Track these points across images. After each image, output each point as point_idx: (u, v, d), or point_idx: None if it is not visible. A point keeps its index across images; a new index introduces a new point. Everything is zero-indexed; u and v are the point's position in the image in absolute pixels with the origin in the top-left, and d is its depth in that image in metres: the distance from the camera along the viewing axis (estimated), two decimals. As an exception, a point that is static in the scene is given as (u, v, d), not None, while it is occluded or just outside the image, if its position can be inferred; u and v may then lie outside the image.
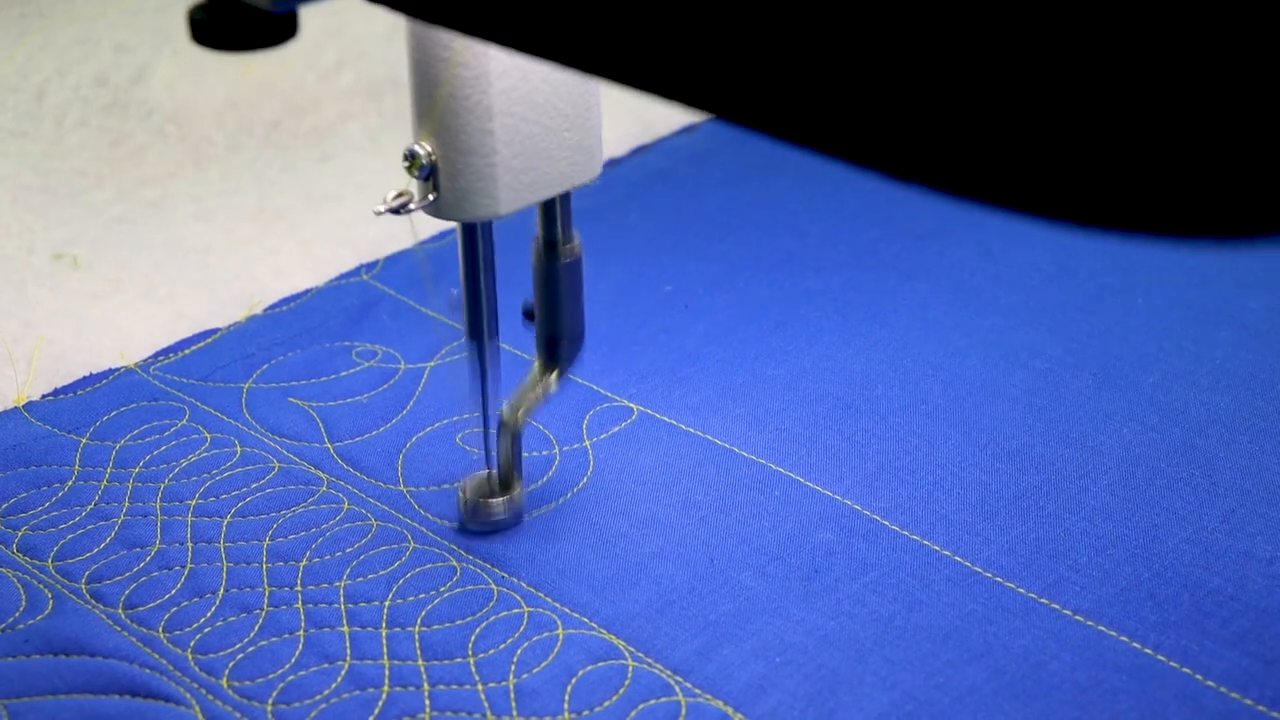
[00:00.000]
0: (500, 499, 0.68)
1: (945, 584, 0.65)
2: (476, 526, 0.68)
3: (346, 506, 0.71)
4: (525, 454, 0.74)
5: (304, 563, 0.68)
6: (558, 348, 0.67)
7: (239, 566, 0.68)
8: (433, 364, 0.81)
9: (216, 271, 0.90)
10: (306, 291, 0.88)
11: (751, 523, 0.69)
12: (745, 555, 0.67)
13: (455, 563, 0.67)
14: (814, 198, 0.96)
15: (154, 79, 1.05)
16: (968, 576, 0.66)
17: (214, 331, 0.84)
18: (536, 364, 0.67)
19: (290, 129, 1.05)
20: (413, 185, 0.61)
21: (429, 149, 0.59)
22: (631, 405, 0.77)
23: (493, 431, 0.67)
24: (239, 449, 0.75)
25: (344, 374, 0.81)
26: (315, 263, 0.91)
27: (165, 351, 0.83)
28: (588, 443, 0.75)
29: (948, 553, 0.67)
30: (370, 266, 0.90)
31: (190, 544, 0.69)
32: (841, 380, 0.78)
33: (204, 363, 0.82)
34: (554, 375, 0.67)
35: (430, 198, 0.60)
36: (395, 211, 0.61)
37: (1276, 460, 0.72)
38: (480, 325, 0.65)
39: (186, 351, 0.83)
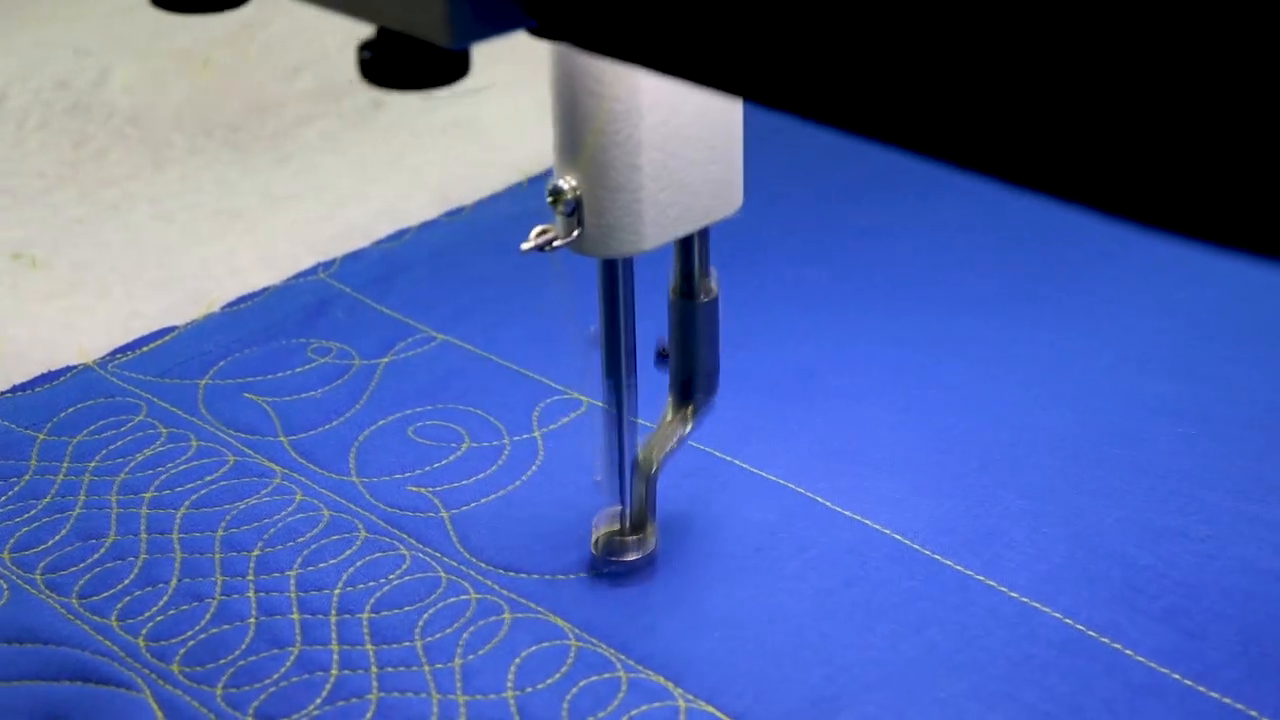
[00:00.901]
0: (632, 538, 0.66)
1: (883, 561, 0.67)
2: (608, 566, 0.66)
3: (299, 498, 0.72)
4: (476, 444, 0.75)
5: (256, 552, 0.69)
6: (693, 387, 0.64)
7: (192, 557, 0.69)
8: (386, 360, 0.82)
9: (174, 271, 0.92)
10: (264, 290, 0.89)
11: (696, 504, 0.70)
12: (688, 535, 0.68)
13: (405, 551, 0.69)
14: (767, 192, 0.98)
15: (114, 82, 1.06)
16: (905, 554, 0.67)
17: (171, 329, 0.86)
18: (670, 403, 0.65)
19: (250, 131, 1.06)
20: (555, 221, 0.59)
21: (574, 184, 0.57)
22: (581, 398, 0.78)
23: (628, 474, 0.65)
24: (194, 443, 0.76)
25: (299, 370, 0.82)
26: (273, 262, 0.93)
27: (123, 349, 0.84)
28: (537, 433, 0.76)
29: (886, 531, 0.68)
30: (327, 265, 0.91)
31: (145, 535, 0.70)
32: (785, 369, 0.80)
33: (161, 360, 0.83)
34: (689, 413, 0.65)
35: (574, 234, 0.58)
36: (540, 249, 0.58)
37: (1207, 442, 0.73)
38: (619, 363, 0.62)
39: (144, 349, 0.84)
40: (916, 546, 0.68)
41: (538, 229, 0.58)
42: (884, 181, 0.99)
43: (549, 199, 0.57)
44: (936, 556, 0.67)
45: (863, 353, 0.82)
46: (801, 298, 0.87)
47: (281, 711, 0.61)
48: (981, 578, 0.66)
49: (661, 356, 0.64)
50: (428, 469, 0.74)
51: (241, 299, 0.88)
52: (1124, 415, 0.75)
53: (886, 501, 0.70)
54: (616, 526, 0.66)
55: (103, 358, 0.83)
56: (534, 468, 0.74)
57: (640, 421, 0.65)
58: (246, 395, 0.80)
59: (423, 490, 0.72)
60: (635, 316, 0.62)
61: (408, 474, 0.73)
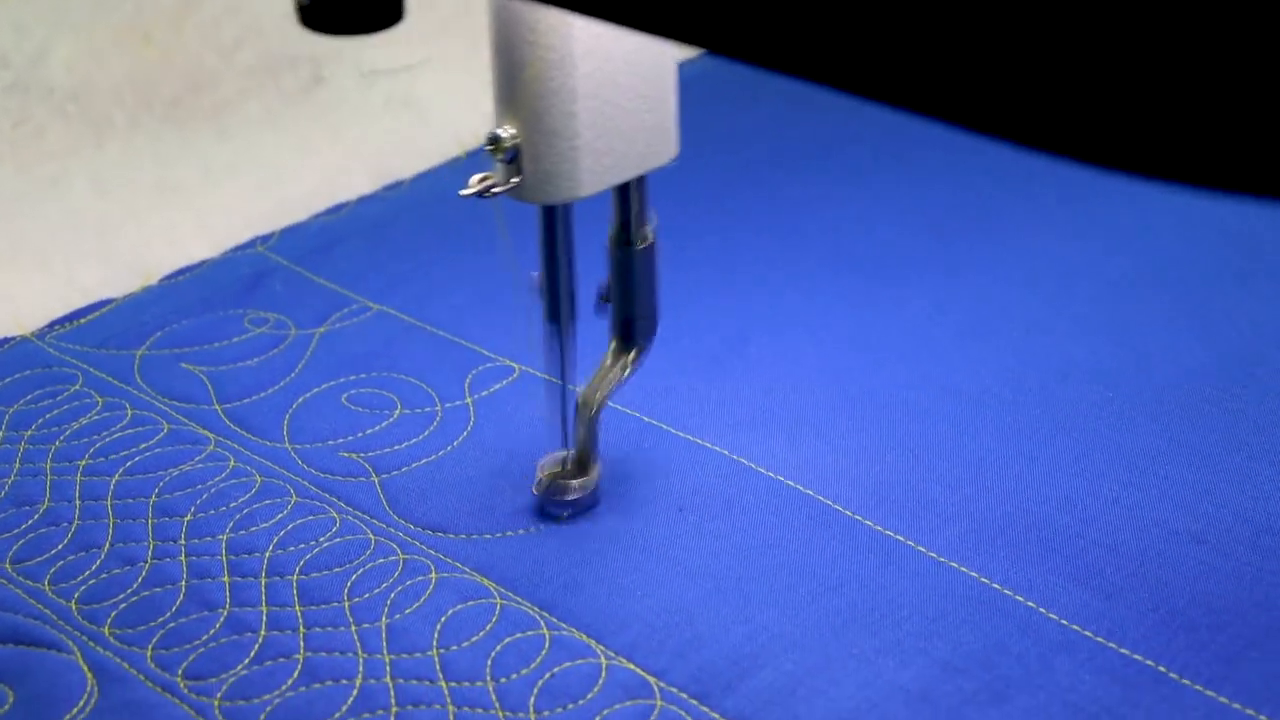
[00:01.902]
0: (577, 480, 0.68)
1: (805, 522, 0.68)
2: (553, 507, 0.68)
3: (232, 464, 0.73)
4: (409, 411, 0.76)
5: (188, 518, 0.70)
6: (633, 330, 0.67)
7: (124, 522, 0.70)
8: (322, 329, 0.83)
9: (113, 244, 0.92)
10: (201, 262, 0.90)
11: (621, 466, 0.71)
12: (613, 498, 0.70)
13: (335, 514, 0.69)
14: (694, 164, 0.99)
15: (54, 59, 1.06)
16: (827, 514, 0.68)
17: (109, 301, 0.86)
18: (612, 346, 0.67)
19: (189, 106, 1.07)
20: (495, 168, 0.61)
21: (512, 132, 0.59)
22: (513, 364, 0.79)
23: (570, 415, 0.67)
24: (129, 412, 0.77)
25: (235, 340, 0.83)
26: (211, 235, 0.93)
27: (60, 321, 0.85)
28: (469, 400, 0.77)
29: (810, 492, 0.70)
30: (265, 238, 0.92)
31: (78, 502, 0.71)
32: (713, 334, 0.81)
33: (98, 331, 0.84)
34: (630, 357, 0.67)
35: (513, 181, 0.60)
36: (480, 195, 0.60)
37: (1130, 406, 0.75)
38: (558, 308, 0.64)
39: (81, 321, 0.85)
40: (838, 507, 0.69)
41: (477, 176, 0.60)
42: (819, 151, 1.00)
43: (487, 146, 0.59)
44: (857, 517, 0.68)
45: (792, 317, 0.83)
46: (732, 264, 0.88)
47: (210, 671, 0.62)
48: (901, 537, 0.67)
49: (602, 301, 0.66)
50: (360, 435, 0.75)
51: (179, 271, 0.89)
52: (1048, 378, 0.77)
53: (811, 464, 0.72)
54: (560, 468, 0.68)
55: (40, 329, 0.84)
56: (465, 433, 0.75)
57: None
58: (183, 365, 0.81)
59: (354, 456, 0.73)
60: (575, 262, 0.64)
61: (340, 440, 0.74)
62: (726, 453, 0.72)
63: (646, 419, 0.75)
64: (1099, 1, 0.31)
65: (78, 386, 0.79)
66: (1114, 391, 0.76)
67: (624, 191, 0.63)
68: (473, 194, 0.60)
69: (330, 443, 0.74)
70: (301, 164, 1.01)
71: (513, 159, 0.59)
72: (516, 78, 0.58)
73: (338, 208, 0.96)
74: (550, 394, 0.67)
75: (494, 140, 0.59)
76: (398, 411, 0.76)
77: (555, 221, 0.63)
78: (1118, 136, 0.33)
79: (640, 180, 0.63)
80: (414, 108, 1.08)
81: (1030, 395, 0.76)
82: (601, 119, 0.59)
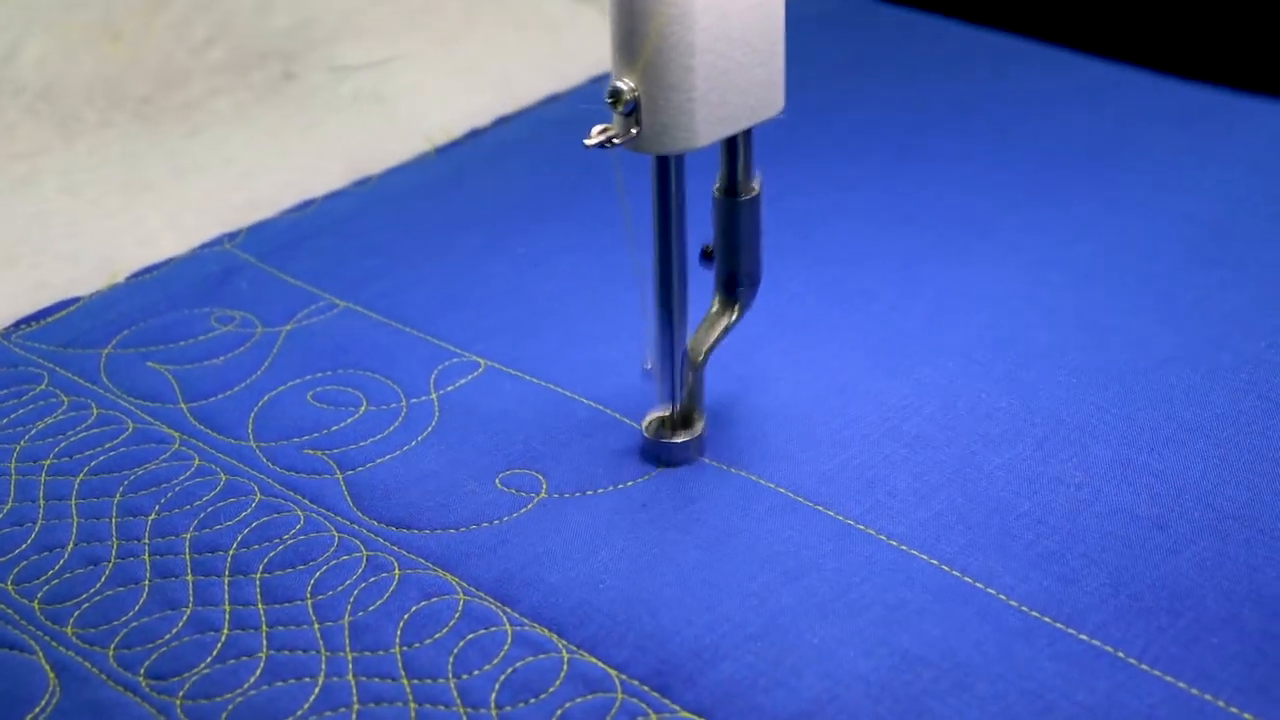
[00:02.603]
0: (683, 434, 0.70)
1: (765, 511, 0.68)
2: (662, 463, 0.70)
3: (197, 462, 0.73)
4: (374, 407, 0.76)
5: (153, 516, 0.70)
6: (738, 281, 0.69)
7: (89, 522, 0.70)
8: (289, 327, 0.83)
9: (81, 242, 0.92)
10: (169, 260, 0.90)
11: (582, 460, 0.72)
12: (574, 490, 0.70)
13: (299, 512, 0.70)
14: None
15: (24, 57, 1.06)
16: (787, 504, 0.68)
17: (76, 300, 0.86)
18: (717, 299, 0.70)
19: (159, 104, 1.07)
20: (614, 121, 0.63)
21: (632, 85, 0.61)
22: (479, 360, 0.79)
23: (679, 366, 0.69)
24: (95, 411, 0.77)
25: (202, 338, 0.83)
26: (180, 232, 0.93)
27: (26, 320, 0.85)
28: (434, 395, 0.77)
29: (769, 483, 0.70)
30: (233, 235, 0.92)
31: (42, 501, 0.71)
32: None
33: (64, 330, 0.84)
34: (734, 312, 0.70)
35: (633, 131, 0.62)
36: (601, 145, 0.62)
37: (1092, 393, 0.75)
38: (670, 260, 0.66)
39: (48, 320, 0.85)
40: (799, 498, 0.69)
41: (599, 127, 0.62)
42: (786, 143, 1.00)
43: (608, 100, 0.61)
44: (818, 507, 0.68)
45: (754, 311, 0.82)
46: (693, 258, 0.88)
47: (172, 670, 0.62)
48: (862, 526, 0.67)
49: (706, 256, 0.68)
50: (325, 432, 0.75)
51: (146, 269, 0.89)
52: (1013, 366, 0.77)
53: (773, 455, 0.72)
54: (667, 413, 0.70)
55: (6, 328, 0.84)
56: (429, 429, 0.75)
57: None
58: (149, 364, 0.81)
59: (319, 453, 0.73)
60: (686, 216, 0.66)
61: (305, 437, 0.74)
62: (690, 445, 0.72)
63: (610, 411, 0.75)
64: None
65: (43, 386, 0.79)
66: (1077, 378, 0.76)
67: (732, 144, 0.66)
68: (595, 144, 0.62)
69: (295, 440, 0.74)
70: (271, 161, 1.01)
71: (631, 111, 0.61)
72: (638, 32, 0.60)
73: (306, 204, 0.96)
74: (661, 348, 0.68)
75: (614, 94, 0.61)
76: (363, 408, 0.77)
77: (669, 173, 0.64)
78: None
79: (748, 133, 0.66)
80: (383, 104, 1.08)
81: (994, 382, 0.76)
82: (716, 73, 0.61)
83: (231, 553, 0.67)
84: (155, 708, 0.60)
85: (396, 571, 0.66)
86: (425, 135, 1.02)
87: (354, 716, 0.59)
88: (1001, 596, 0.63)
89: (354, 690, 0.60)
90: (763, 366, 0.78)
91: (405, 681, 0.60)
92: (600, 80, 1.07)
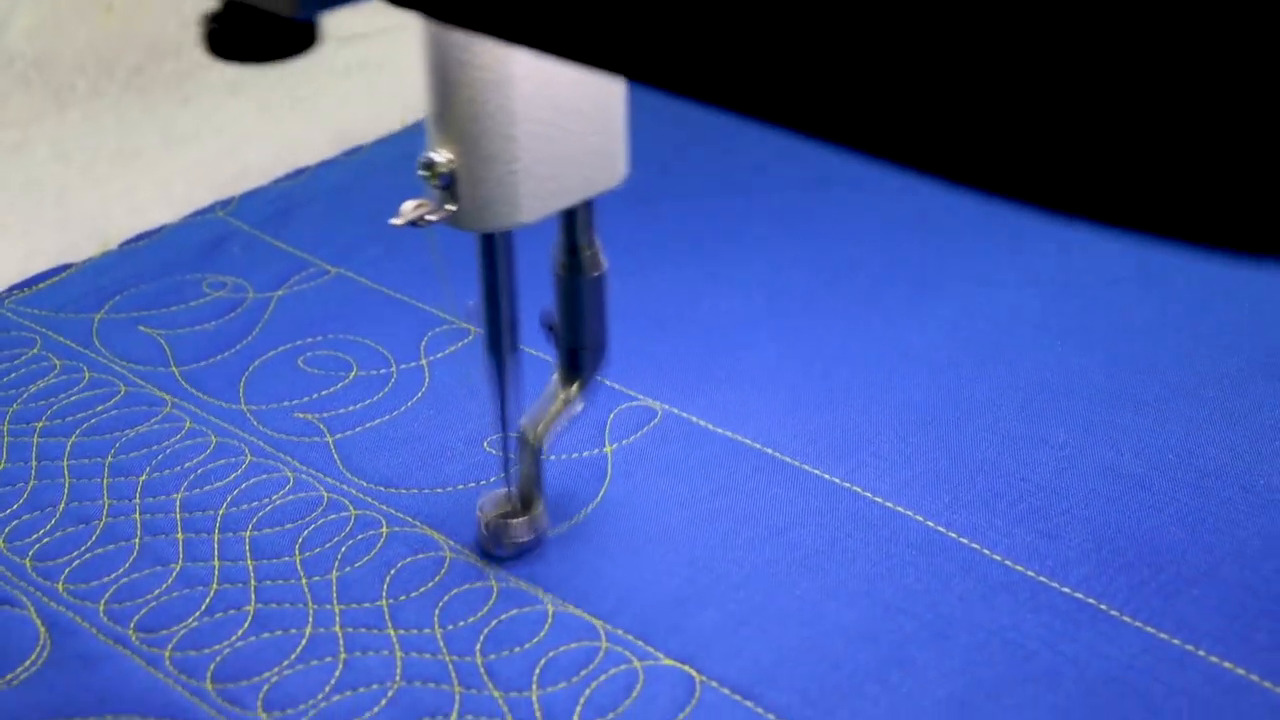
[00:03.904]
0: (522, 520, 0.64)
1: (751, 471, 0.69)
2: (500, 551, 0.64)
3: (188, 425, 0.74)
4: (364, 372, 0.76)
5: (144, 477, 0.70)
6: (580, 360, 0.63)
7: (80, 482, 0.70)
8: (280, 293, 0.84)
9: (73, 210, 0.93)
10: (161, 228, 0.90)
11: (570, 422, 0.72)
12: (561, 451, 0.70)
13: (289, 473, 0.70)
14: (655, 135, 1.00)
15: (16, 27, 1.07)
16: (772, 464, 0.69)
17: (68, 266, 0.87)
18: (557, 376, 0.64)
19: (151, 74, 1.07)
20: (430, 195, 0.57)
21: (449, 156, 0.55)
22: (468, 327, 0.80)
23: (513, 449, 0.63)
24: (87, 375, 0.77)
25: (193, 304, 0.83)
26: (172, 201, 0.94)
27: (19, 286, 0.85)
28: (424, 361, 0.78)
29: (756, 444, 0.70)
30: (225, 204, 0.93)
31: (35, 462, 0.71)
32: (664, 298, 0.82)
33: (57, 296, 0.84)
34: (575, 387, 0.63)
35: (449, 208, 0.56)
36: (414, 224, 0.56)
37: (1076, 355, 0.76)
38: (499, 339, 0.61)
39: (40, 286, 0.85)
40: (785, 458, 0.69)
41: (411, 203, 0.56)
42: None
43: (422, 172, 0.55)
44: (804, 466, 0.69)
45: (744, 281, 0.84)
46: (684, 228, 0.89)
47: (161, 624, 0.62)
48: (847, 484, 0.68)
49: (549, 329, 0.63)
50: (315, 396, 0.75)
51: (139, 236, 0.90)
52: (997, 331, 0.78)
53: (759, 417, 0.72)
54: (506, 508, 0.64)
55: (-1, 294, 0.84)
56: (419, 394, 0.75)
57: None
58: (141, 329, 0.81)
59: (309, 416, 0.74)
60: (517, 290, 0.60)
61: (295, 401, 0.75)
62: (675, 409, 0.73)
63: (599, 379, 0.75)
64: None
65: (35, 350, 0.79)
66: (1062, 342, 0.77)
67: (570, 217, 0.60)
68: (406, 223, 0.56)
69: (285, 404, 0.75)
70: (262, 130, 1.01)
71: (448, 185, 0.55)
72: (451, 99, 0.54)
73: (298, 173, 0.96)
74: (495, 427, 0.63)
75: (428, 165, 0.55)
76: (353, 373, 0.77)
77: (495, 250, 0.59)
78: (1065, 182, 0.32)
79: (587, 205, 0.60)
80: (374, 74, 1.08)
81: (978, 348, 0.76)
82: (542, 142, 0.55)
83: (221, 512, 0.68)
84: (144, 659, 0.61)
85: (384, 529, 0.66)
86: (416, 105, 1.02)
87: (340, 666, 0.60)
88: (985, 551, 0.64)
89: (340, 640, 0.61)
90: (749, 335, 0.79)
91: (391, 631, 0.61)
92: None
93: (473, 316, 0.62)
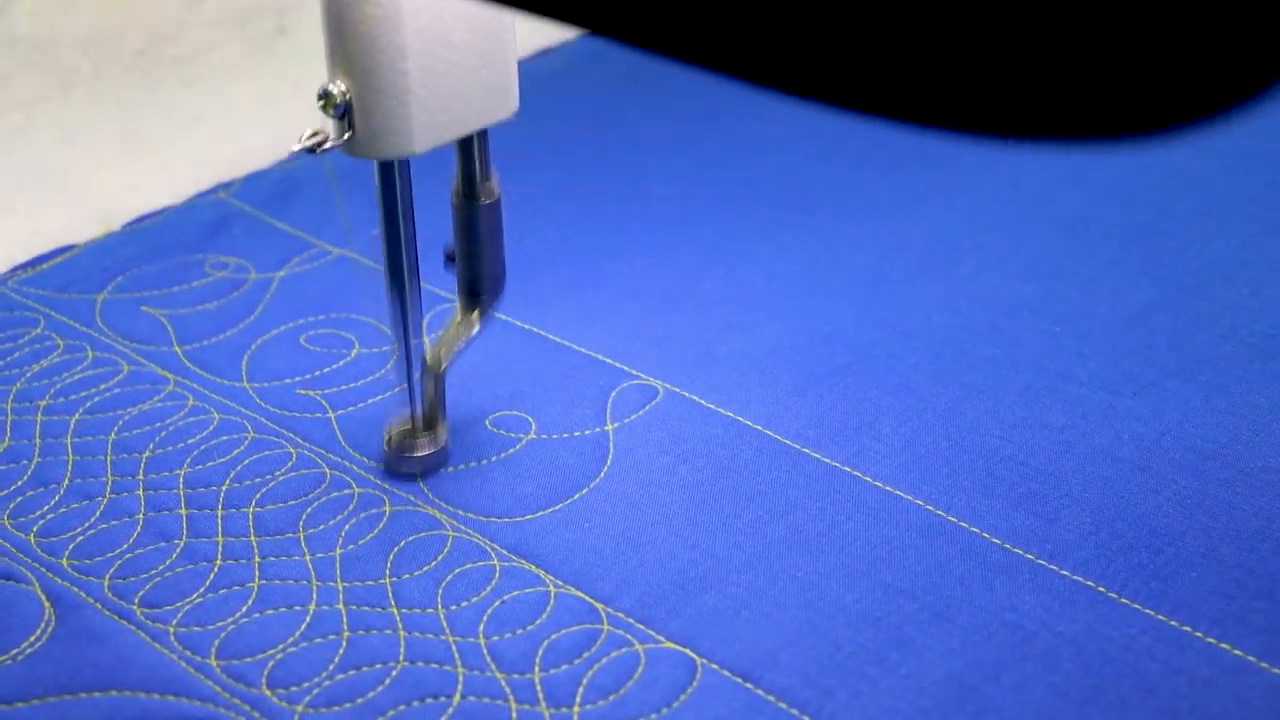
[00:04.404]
0: (425, 438, 0.68)
1: (753, 454, 0.69)
2: (404, 468, 0.68)
3: (191, 403, 0.74)
4: (366, 350, 0.77)
5: (147, 454, 0.71)
6: (479, 288, 0.66)
7: (84, 459, 0.70)
8: (282, 273, 0.84)
9: (77, 191, 0.93)
10: (164, 209, 0.91)
11: (570, 403, 0.73)
12: (562, 431, 0.71)
13: (291, 449, 0.70)
14: (658, 114, 1.00)
15: (18, 9, 1.07)
16: (775, 447, 0.69)
17: (71, 247, 0.87)
18: (459, 304, 0.67)
19: (154, 56, 1.07)
20: (327, 123, 0.60)
21: (343, 88, 0.58)
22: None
23: (416, 374, 0.67)
24: (90, 354, 0.78)
25: (196, 284, 0.83)
26: (175, 182, 0.94)
27: (22, 266, 0.85)
28: (425, 339, 0.78)
29: (757, 426, 0.71)
30: (228, 185, 0.93)
31: (38, 440, 0.72)
32: (666, 279, 0.82)
33: (60, 276, 0.84)
34: (476, 315, 0.67)
35: (345, 136, 0.59)
36: (310, 150, 0.59)
37: (1075, 340, 0.76)
38: (400, 266, 0.64)
39: (43, 266, 0.85)
40: (786, 440, 0.70)
41: (309, 131, 0.59)
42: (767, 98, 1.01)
43: (319, 102, 0.58)
44: (805, 449, 0.69)
45: (744, 257, 0.84)
46: (687, 205, 0.89)
47: (166, 600, 0.62)
48: (848, 468, 0.68)
49: (450, 259, 0.66)
50: (317, 374, 0.76)
51: (142, 218, 0.90)
52: (996, 316, 0.78)
53: (760, 399, 0.73)
54: (409, 426, 0.68)
55: (3, 274, 0.85)
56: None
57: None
58: (144, 309, 0.81)
59: (311, 393, 0.74)
60: (414, 220, 0.63)
61: (298, 379, 0.75)
62: (677, 389, 0.73)
63: (598, 356, 0.76)
64: None
65: (39, 330, 0.80)
66: (1061, 326, 0.77)
67: (466, 147, 0.63)
68: (302, 149, 0.59)
69: (288, 381, 0.75)
70: (265, 113, 1.01)
71: (344, 114, 0.58)
72: (345, 33, 0.57)
73: (300, 154, 0.96)
74: (398, 352, 0.66)
75: (324, 95, 0.58)
76: (355, 351, 0.77)
77: (393, 178, 0.62)
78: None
79: (482, 135, 0.63)
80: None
81: (978, 332, 0.77)
82: (434, 75, 0.58)
83: (224, 488, 0.68)
84: (149, 635, 0.61)
85: (387, 507, 0.67)
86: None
87: (344, 644, 0.60)
88: (984, 534, 0.64)
89: (344, 619, 0.61)
90: (750, 315, 0.79)
91: (395, 610, 0.61)
92: (590, 37, 1.08)
93: (375, 246, 0.65)
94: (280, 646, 0.60)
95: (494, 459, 0.69)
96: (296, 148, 0.59)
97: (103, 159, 0.96)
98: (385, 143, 0.59)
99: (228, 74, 1.06)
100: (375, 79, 0.57)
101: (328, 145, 0.60)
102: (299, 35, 1.11)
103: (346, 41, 0.57)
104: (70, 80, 1.04)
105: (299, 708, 0.57)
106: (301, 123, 0.99)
